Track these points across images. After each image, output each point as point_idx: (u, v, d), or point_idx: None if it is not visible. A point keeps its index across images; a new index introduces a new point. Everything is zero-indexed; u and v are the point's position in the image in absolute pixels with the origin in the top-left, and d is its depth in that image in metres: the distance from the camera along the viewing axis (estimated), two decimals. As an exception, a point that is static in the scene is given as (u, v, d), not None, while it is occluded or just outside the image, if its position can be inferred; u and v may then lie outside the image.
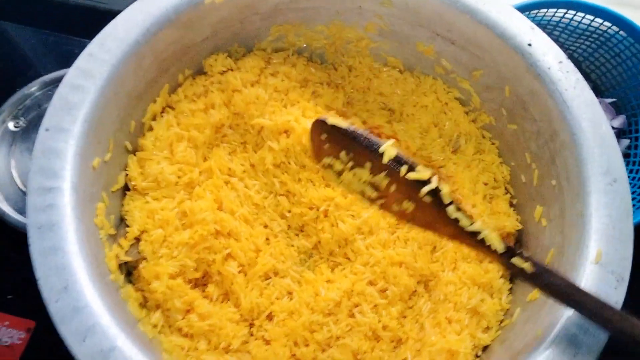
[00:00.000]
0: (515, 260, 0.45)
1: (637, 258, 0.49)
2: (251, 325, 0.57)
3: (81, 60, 0.53)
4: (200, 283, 0.58)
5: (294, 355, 0.55)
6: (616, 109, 0.83)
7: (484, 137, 0.70)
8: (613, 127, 0.81)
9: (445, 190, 0.46)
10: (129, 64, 0.55)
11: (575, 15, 0.81)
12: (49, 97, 0.81)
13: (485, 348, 0.57)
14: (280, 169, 0.64)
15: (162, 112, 0.64)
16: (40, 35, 0.91)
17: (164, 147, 0.61)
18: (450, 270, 0.60)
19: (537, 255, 0.58)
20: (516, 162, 0.66)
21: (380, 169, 0.48)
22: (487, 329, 0.57)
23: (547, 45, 0.59)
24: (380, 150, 0.46)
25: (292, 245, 0.62)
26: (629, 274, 0.48)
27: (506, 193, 0.67)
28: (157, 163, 0.60)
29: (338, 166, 0.51)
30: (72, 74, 0.53)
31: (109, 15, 0.56)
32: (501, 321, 0.58)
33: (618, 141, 0.80)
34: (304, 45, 0.73)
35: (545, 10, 0.80)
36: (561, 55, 0.58)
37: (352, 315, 0.57)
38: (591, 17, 0.80)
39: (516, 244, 0.64)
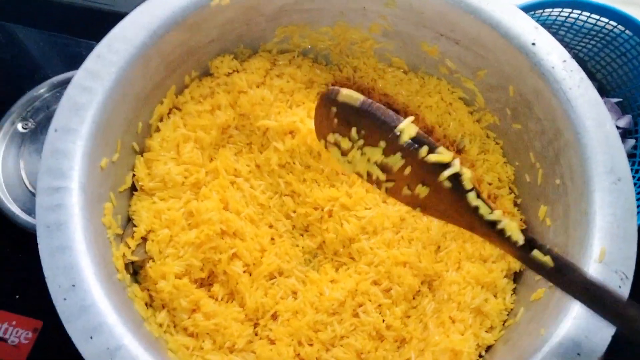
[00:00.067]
0: (536, 253, 0.42)
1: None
2: (256, 325, 0.58)
3: (89, 62, 0.54)
4: (205, 283, 0.59)
5: (298, 354, 0.56)
6: (622, 108, 0.83)
7: (488, 137, 0.70)
8: (619, 127, 0.81)
9: (467, 175, 0.43)
10: (136, 66, 0.56)
11: (580, 14, 0.80)
12: (57, 98, 0.82)
13: (488, 348, 0.57)
14: (285, 170, 0.65)
15: (168, 113, 0.65)
16: (48, 37, 0.92)
17: (171, 147, 0.62)
18: (454, 270, 0.60)
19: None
20: (520, 161, 0.66)
21: (395, 149, 0.44)
22: (491, 328, 0.58)
23: (551, 44, 0.59)
24: (399, 128, 0.44)
25: (297, 245, 0.63)
26: (633, 273, 0.48)
27: (510, 193, 0.67)
28: (164, 164, 0.60)
29: (345, 144, 0.48)
30: (80, 76, 0.53)
31: (116, 17, 0.57)
32: (505, 321, 0.58)
33: (624, 141, 0.80)
34: (309, 46, 0.73)
35: (550, 9, 0.80)
36: (565, 54, 0.58)
37: (356, 315, 0.57)
38: (596, 17, 0.80)
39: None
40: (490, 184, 0.67)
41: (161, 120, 0.64)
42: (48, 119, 0.81)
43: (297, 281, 0.59)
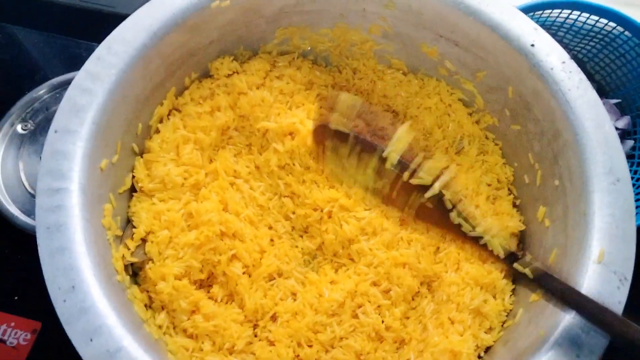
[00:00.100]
0: (517, 266, 0.46)
1: (640, 258, 0.49)
2: (255, 326, 0.58)
3: (89, 64, 0.54)
4: (205, 284, 0.59)
5: (297, 356, 0.56)
6: (621, 109, 0.83)
7: (487, 138, 0.70)
8: (618, 128, 0.81)
9: (447, 195, 0.46)
10: (136, 68, 0.56)
11: (579, 15, 0.81)
12: (56, 100, 0.82)
13: (488, 349, 0.57)
14: (284, 171, 0.65)
15: (168, 114, 0.65)
16: (48, 38, 0.92)
17: (171, 149, 0.62)
18: (453, 271, 0.60)
19: (540, 255, 0.59)
20: (519, 162, 0.66)
21: (382, 174, 0.49)
22: (490, 329, 0.58)
23: (550, 45, 0.59)
24: (384, 154, 0.47)
25: (296, 247, 0.63)
26: (632, 274, 0.48)
27: (509, 194, 0.67)
28: (164, 165, 0.60)
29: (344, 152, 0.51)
30: (80, 77, 0.53)
31: (115, 18, 0.57)
32: (504, 322, 0.58)
33: (623, 142, 0.80)
34: (309, 48, 0.74)
35: (549, 11, 0.80)
36: (564, 55, 0.58)
37: (355, 316, 0.57)
38: (596, 18, 0.80)
39: (519, 245, 0.64)
40: (489, 185, 0.67)
41: (161, 121, 0.64)
42: (47, 120, 0.81)
43: (297, 282, 0.59)
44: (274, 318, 0.57)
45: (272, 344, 0.56)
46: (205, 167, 0.63)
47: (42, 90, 0.83)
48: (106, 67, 0.54)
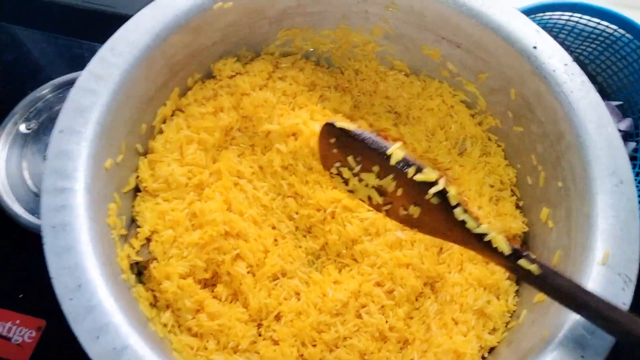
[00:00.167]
0: (522, 262, 0.45)
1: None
2: (259, 326, 0.58)
3: (93, 64, 0.54)
4: (209, 283, 0.59)
5: (301, 355, 0.56)
6: (622, 111, 0.83)
7: (490, 139, 0.71)
8: (619, 130, 0.81)
9: (452, 192, 0.46)
10: (140, 68, 0.56)
11: (580, 18, 0.81)
12: (60, 99, 0.83)
13: (491, 349, 0.57)
14: (288, 171, 0.65)
15: (172, 115, 0.65)
16: (50, 38, 0.92)
17: (174, 149, 0.62)
18: (456, 271, 0.60)
19: (543, 257, 0.59)
20: (522, 164, 0.66)
21: (387, 171, 0.48)
22: (494, 330, 0.58)
23: (552, 48, 0.59)
24: (388, 152, 0.47)
25: (300, 247, 0.63)
26: (636, 276, 0.48)
27: (512, 195, 0.67)
28: (168, 165, 0.60)
29: (346, 174, 0.52)
30: (84, 78, 0.54)
31: (118, 19, 0.57)
32: (508, 323, 0.58)
33: (625, 144, 0.80)
34: (311, 49, 0.74)
35: (551, 13, 0.81)
36: (566, 57, 0.59)
37: (359, 316, 0.57)
38: (597, 20, 0.80)
39: (522, 246, 0.65)
40: (492, 186, 0.68)
41: (164, 122, 0.64)
42: (51, 119, 0.81)
43: (301, 282, 0.60)
44: (278, 317, 0.58)
45: (276, 343, 0.56)
46: (209, 167, 0.63)
47: (45, 90, 0.83)
48: (110, 67, 0.55)
